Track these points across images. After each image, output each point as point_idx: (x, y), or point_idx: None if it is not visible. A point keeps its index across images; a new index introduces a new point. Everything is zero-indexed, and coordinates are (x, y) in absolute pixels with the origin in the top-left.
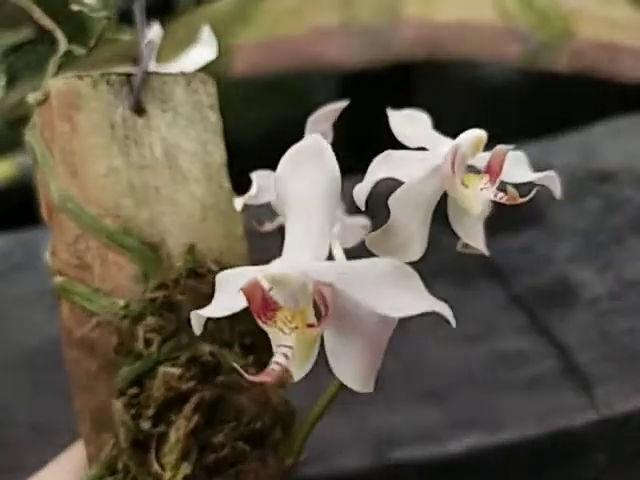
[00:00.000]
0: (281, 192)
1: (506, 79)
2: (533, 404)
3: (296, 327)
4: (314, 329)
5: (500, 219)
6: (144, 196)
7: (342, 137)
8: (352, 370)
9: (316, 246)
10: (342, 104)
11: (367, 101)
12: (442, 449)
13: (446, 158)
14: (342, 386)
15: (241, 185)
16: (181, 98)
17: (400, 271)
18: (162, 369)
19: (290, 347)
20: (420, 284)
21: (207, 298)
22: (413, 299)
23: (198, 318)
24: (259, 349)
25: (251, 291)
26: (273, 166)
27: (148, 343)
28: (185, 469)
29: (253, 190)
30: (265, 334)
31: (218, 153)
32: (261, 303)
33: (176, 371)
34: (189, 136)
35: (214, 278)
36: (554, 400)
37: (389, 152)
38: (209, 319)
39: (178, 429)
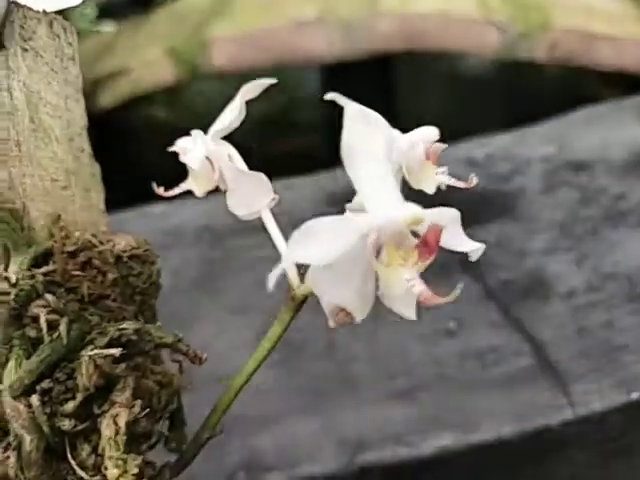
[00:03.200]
0: (353, 150)
1: (484, 70)
2: (508, 403)
3: (416, 262)
4: (428, 259)
5: (473, 212)
6: (2, 150)
7: (323, 130)
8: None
9: (398, 192)
10: (271, 80)
11: (347, 94)
12: (413, 451)
13: (415, 146)
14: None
15: None
16: (44, 40)
17: (457, 217)
18: (90, 353)
19: (416, 276)
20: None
21: (100, 274)
22: (464, 240)
23: (277, 273)
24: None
25: (378, 247)
26: (256, 158)
27: (50, 327)
28: (135, 462)
29: (201, 150)
30: (149, 311)
31: (79, 112)
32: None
33: (114, 352)
34: (51, 87)
35: (100, 251)
36: (530, 398)
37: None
38: (106, 297)
39: (114, 419)
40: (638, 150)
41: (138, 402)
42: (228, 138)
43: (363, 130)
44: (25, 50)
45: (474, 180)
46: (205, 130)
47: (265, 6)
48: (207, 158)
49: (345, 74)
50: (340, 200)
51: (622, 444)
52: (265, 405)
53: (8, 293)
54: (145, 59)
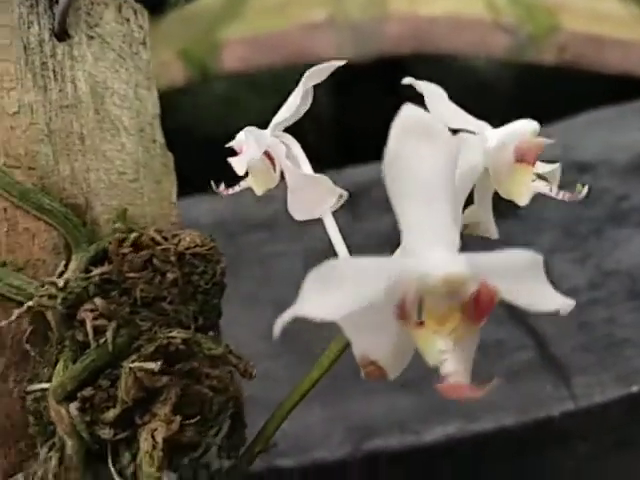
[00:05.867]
0: (399, 173)
1: (493, 72)
2: (511, 394)
3: (454, 329)
4: (474, 326)
5: None
6: (65, 144)
7: (331, 131)
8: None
9: (453, 236)
10: (336, 63)
11: (356, 95)
12: (418, 439)
13: (504, 145)
14: (317, 381)
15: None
16: (111, 26)
17: (535, 262)
18: (131, 365)
19: (452, 348)
20: (545, 277)
21: (159, 274)
22: (549, 294)
23: (284, 320)
24: (209, 330)
25: (403, 305)
26: None
27: (97, 331)
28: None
29: (254, 149)
30: (215, 314)
31: (150, 101)
32: (410, 313)
33: (153, 366)
34: (119, 75)
35: (162, 250)
36: (532, 390)
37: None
38: (161, 299)
39: (152, 434)
40: None
41: (177, 419)
42: (231, 137)
43: (416, 146)
44: (91, 38)
45: (584, 190)
46: (215, 132)
47: (275, 9)
48: (266, 154)
49: (354, 76)
50: (348, 201)
51: (623, 436)
52: (276, 393)
53: (55, 297)
54: (156, 61)
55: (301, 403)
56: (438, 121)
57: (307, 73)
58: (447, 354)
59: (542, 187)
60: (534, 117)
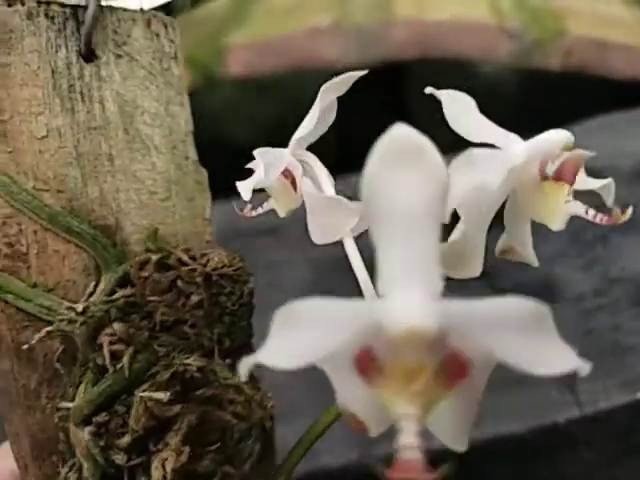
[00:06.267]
0: (375, 203)
1: (498, 77)
2: (517, 401)
3: (418, 391)
4: (442, 392)
5: None
6: (94, 166)
7: (335, 137)
8: (451, 426)
9: (432, 277)
10: (358, 73)
11: (360, 101)
12: (425, 444)
13: (530, 160)
14: (338, 415)
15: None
16: (140, 42)
17: (539, 315)
18: (142, 394)
19: (414, 415)
20: (556, 332)
21: (181, 296)
22: (556, 353)
23: (246, 366)
24: (238, 353)
25: (364, 357)
26: None
27: (115, 357)
28: None
29: (261, 173)
30: (245, 335)
31: (183, 116)
32: (369, 360)
33: (162, 396)
34: (149, 92)
35: (187, 271)
36: (538, 397)
37: (470, 153)
38: (183, 322)
39: (163, 463)
40: None
41: (186, 449)
42: (236, 142)
43: (396, 173)
44: (119, 56)
45: (628, 212)
46: (221, 137)
47: (281, 13)
48: (287, 173)
49: (358, 80)
50: None
51: (629, 443)
52: (285, 400)
53: (75, 321)
54: None
55: (310, 410)
56: (462, 133)
57: (324, 87)
58: (408, 420)
59: (578, 209)
60: (540, 122)
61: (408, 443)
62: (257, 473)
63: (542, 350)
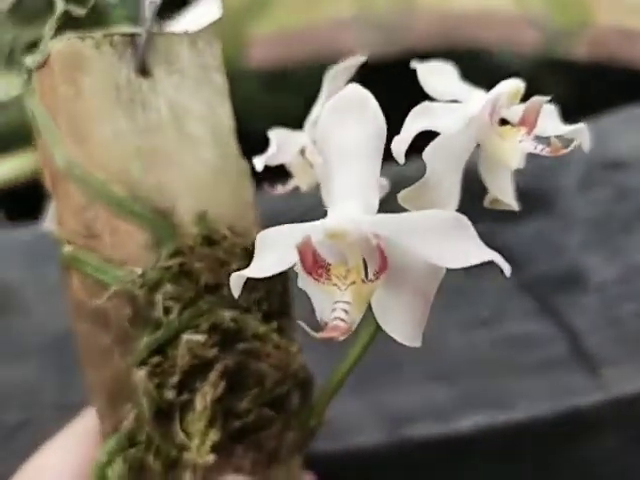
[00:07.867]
0: (325, 144)
1: (523, 68)
2: (542, 385)
3: (353, 282)
4: (371, 283)
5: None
6: (152, 160)
7: None
8: (401, 323)
9: (367, 196)
10: (359, 59)
11: (378, 91)
12: (452, 427)
13: (484, 107)
14: (363, 352)
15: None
16: (187, 60)
17: (457, 222)
18: (185, 336)
19: (348, 302)
20: (476, 234)
21: (223, 264)
22: (471, 249)
23: (238, 279)
24: (277, 315)
25: (305, 249)
26: None
27: (167, 311)
28: (213, 436)
29: (273, 148)
30: (282, 301)
31: (226, 116)
32: (313, 261)
33: (200, 338)
34: (196, 99)
35: (229, 245)
36: (563, 381)
37: (427, 104)
38: (224, 285)
39: (204, 396)
40: None
41: (222, 383)
42: (258, 134)
43: (342, 118)
44: (170, 72)
45: (571, 146)
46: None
47: (302, 4)
48: (303, 152)
49: (376, 71)
50: None
51: None
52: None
53: (136, 283)
54: None
55: (338, 395)
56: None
57: (328, 74)
58: (340, 304)
59: (529, 146)
60: (565, 114)
61: (342, 319)
62: (297, 420)
63: (460, 249)
